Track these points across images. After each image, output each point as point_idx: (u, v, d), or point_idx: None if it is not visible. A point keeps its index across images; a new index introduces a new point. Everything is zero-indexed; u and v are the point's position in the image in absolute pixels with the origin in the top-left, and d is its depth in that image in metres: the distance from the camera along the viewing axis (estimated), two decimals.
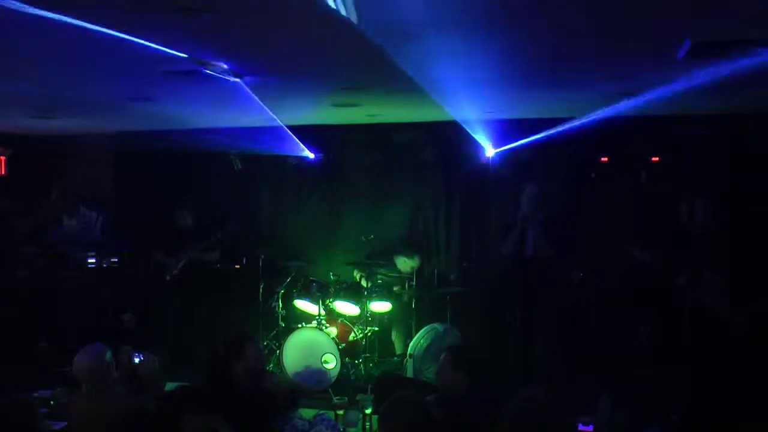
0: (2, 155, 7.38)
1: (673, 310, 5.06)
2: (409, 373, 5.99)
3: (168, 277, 6.67)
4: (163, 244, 6.78)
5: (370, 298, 6.42)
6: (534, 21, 3.05)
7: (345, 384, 5.92)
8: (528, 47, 3.55)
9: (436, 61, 3.81)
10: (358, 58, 3.74)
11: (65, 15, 2.95)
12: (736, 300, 5.02)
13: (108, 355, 3.62)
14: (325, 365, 5.98)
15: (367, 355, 6.39)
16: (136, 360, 4.00)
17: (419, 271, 6.82)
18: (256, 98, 4.88)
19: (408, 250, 6.86)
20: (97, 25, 3.12)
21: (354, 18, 2.82)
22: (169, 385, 4.37)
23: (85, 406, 3.57)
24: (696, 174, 6.02)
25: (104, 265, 7.09)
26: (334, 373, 5.94)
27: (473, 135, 6.41)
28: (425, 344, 6.03)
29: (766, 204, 5.76)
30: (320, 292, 6.44)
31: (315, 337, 6.08)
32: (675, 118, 6.13)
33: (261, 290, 6.80)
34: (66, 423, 3.71)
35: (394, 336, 6.79)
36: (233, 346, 4.18)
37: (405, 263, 6.81)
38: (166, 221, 6.91)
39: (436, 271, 7.20)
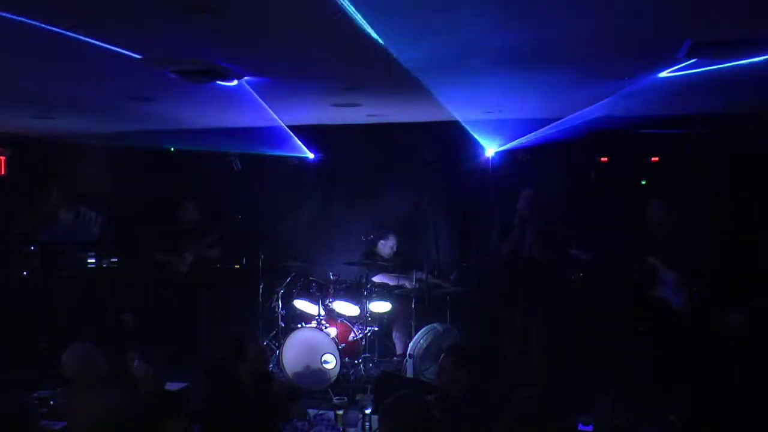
0: (2, 155, 7.37)
1: (671, 312, 5.05)
2: (409, 373, 5.99)
3: (175, 275, 6.65)
4: (165, 243, 6.76)
5: (370, 298, 6.42)
6: (533, 21, 3.05)
7: (345, 384, 5.92)
8: (528, 47, 3.54)
9: (437, 60, 3.81)
10: (358, 58, 3.74)
11: (65, 14, 2.95)
12: (735, 300, 5.03)
13: (95, 353, 3.63)
14: (324, 365, 5.98)
15: (367, 355, 6.38)
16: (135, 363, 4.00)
17: (418, 270, 6.81)
18: (257, 98, 4.88)
19: (382, 233, 6.89)
20: (97, 24, 3.12)
21: None
22: (170, 386, 4.39)
23: (75, 404, 3.57)
24: (696, 174, 6.02)
25: (104, 265, 7.08)
26: (334, 373, 5.94)
27: (473, 135, 6.41)
28: (425, 344, 6.03)
29: (765, 204, 5.77)
30: (320, 292, 6.44)
31: (315, 336, 6.09)
32: (675, 118, 6.13)
33: (261, 290, 6.80)
34: (66, 423, 3.71)
35: (394, 336, 6.79)
36: (234, 347, 4.19)
37: (383, 247, 6.83)
38: (168, 220, 6.89)
39: (436, 271, 7.20)
